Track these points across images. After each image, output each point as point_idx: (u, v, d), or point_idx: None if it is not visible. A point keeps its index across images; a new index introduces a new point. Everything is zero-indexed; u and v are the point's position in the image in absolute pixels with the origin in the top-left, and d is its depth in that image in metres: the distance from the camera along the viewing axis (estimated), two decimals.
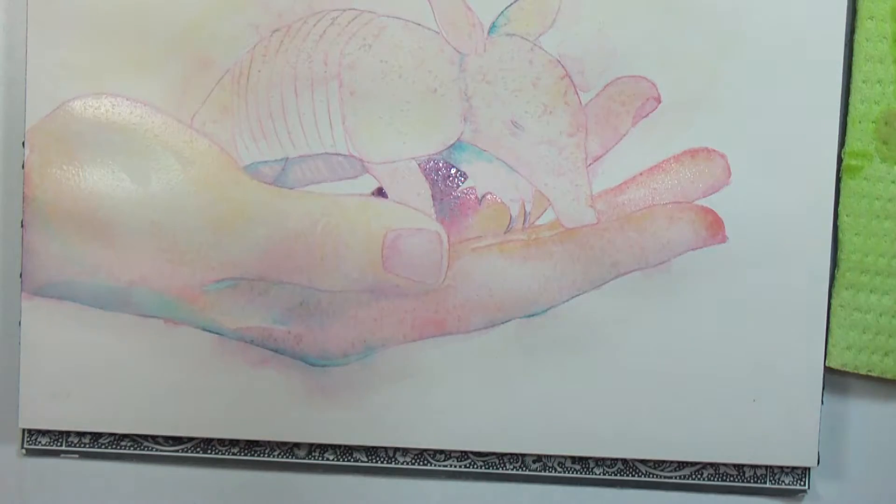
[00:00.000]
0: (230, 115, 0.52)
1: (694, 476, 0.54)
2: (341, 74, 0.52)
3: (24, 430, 0.54)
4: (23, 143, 0.52)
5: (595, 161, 0.52)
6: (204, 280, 0.52)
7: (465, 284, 0.52)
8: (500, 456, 0.54)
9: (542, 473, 0.54)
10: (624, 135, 0.52)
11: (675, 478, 0.54)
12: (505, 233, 0.52)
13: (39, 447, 0.54)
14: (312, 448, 0.54)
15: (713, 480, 0.54)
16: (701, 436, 0.53)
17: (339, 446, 0.54)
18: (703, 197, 0.52)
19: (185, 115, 0.52)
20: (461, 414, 0.53)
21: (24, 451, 0.54)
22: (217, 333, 0.53)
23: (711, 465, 0.54)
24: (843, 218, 0.52)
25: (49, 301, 0.52)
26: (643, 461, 0.54)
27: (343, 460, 0.54)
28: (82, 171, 0.52)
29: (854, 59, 0.52)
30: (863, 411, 0.54)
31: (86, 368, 0.53)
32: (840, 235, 0.52)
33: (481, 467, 0.54)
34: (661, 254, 0.52)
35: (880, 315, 0.53)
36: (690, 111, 0.52)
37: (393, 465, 0.54)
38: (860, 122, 0.52)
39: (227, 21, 0.52)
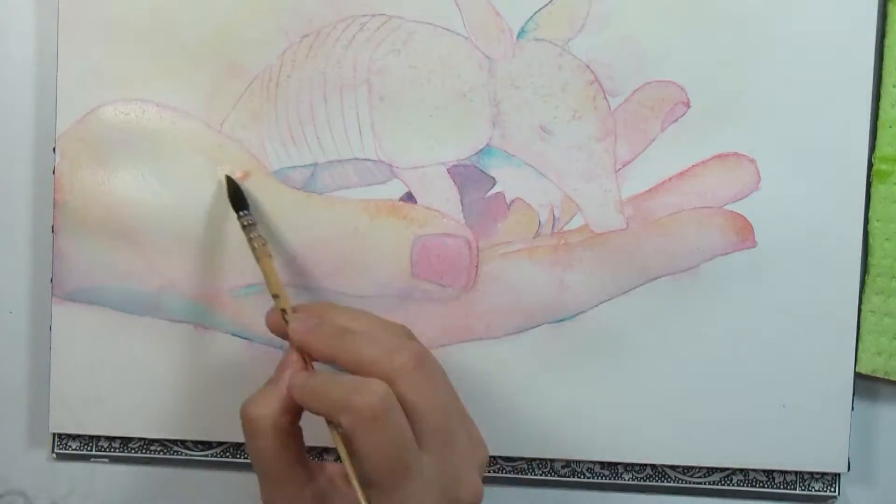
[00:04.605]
0: (260, 121, 0.52)
1: (723, 482, 0.53)
2: (370, 80, 0.52)
3: (54, 434, 0.54)
4: (53, 149, 0.52)
5: (624, 166, 0.52)
6: (233, 285, 0.53)
7: (494, 290, 0.52)
8: (529, 461, 0.54)
9: (571, 479, 0.54)
10: (653, 139, 0.52)
11: (705, 483, 0.54)
12: (534, 238, 0.52)
13: (70, 451, 0.54)
14: None
15: (742, 486, 0.53)
16: (730, 441, 0.52)
17: None
18: (733, 202, 0.52)
19: (215, 120, 0.52)
20: (490, 419, 0.52)
21: (54, 455, 0.54)
22: (246, 338, 0.53)
23: (741, 470, 0.53)
24: (873, 223, 0.52)
25: (79, 306, 0.53)
26: (672, 467, 0.54)
27: None
28: (112, 177, 0.52)
29: (884, 63, 0.52)
30: (893, 417, 0.54)
31: (116, 373, 0.53)
32: (870, 241, 0.52)
33: (510, 472, 0.54)
34: (690, 259, 0.52)
35: None
36: (720, 116, 0.52)
37: None
38: (890, 127, 0.52)
39: (257, 27, 0.52)
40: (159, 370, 0.53)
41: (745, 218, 0.52)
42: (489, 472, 0.54)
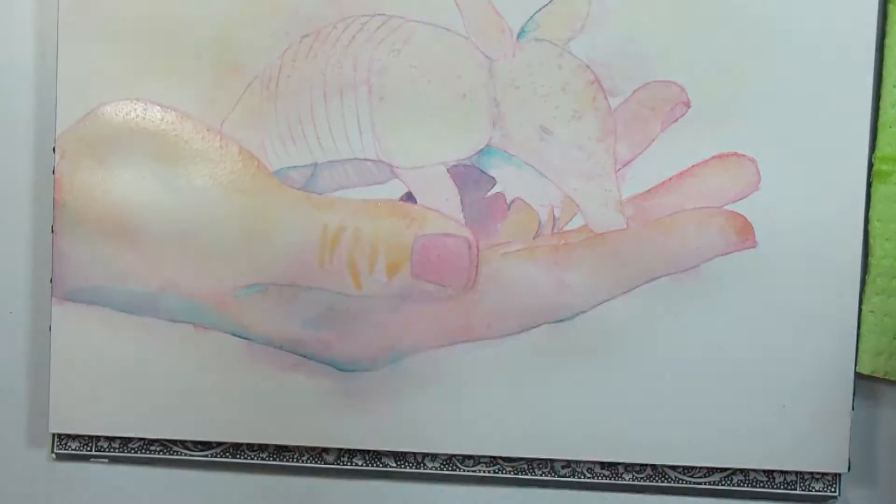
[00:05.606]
0: (260, 121, 0.52)
1: (723, 482, 0.53)
2: (370, 80, 0.52)
3: (54, 434, 0.54)
4: (53, 149, 0.52)
5: (624, 166, 0.52)
6: (233, 285, 0.52)
7: (494, 290, 0.52)
8: (529, 461, 0.54)
9: (572, 479, 0.54)
10: (653, 139, 0.52)
11: (705, 483, 0.54)
12: (534, 238, 0.52)
13: (69, 452, 0.54)
14: (341, 453, 0.54)
15: (743, 486, 0.53)
16: (730, 441, 0.52)
17: (368, 451, 0.54)
18: (733, 201, 0.52)
19: (215, 120, 0.52)
20: (490, 419, 0.53)
21: (54, 455, 0.54)
22: (246, 338, 0.53)
23: (741, 470, 0.53)
24: (873, 223, 0.52)
25: (79, 306, 0.53)
26: (672, 467, 0.53)
27: (372, 465, 0.54)
28: (112, 177, 0.52)
29: (885, 63, 0.52)
30: (893, 417, 0.54)
31: (115, 373, 0.53)
32: (870, 241, 0.52)
33: (510, 473, 0.54)
34: (691, 259, 0.52)
35: None
36: (720, 116, 0.52)
37: (422, 471, 0.54)
38: (890, 127, 0.52)
39: (257, 27, 0.52)
40: (159, 370, 0.53)
41: (745, 218, 0.52)
42: (490, 472, 0.54)
